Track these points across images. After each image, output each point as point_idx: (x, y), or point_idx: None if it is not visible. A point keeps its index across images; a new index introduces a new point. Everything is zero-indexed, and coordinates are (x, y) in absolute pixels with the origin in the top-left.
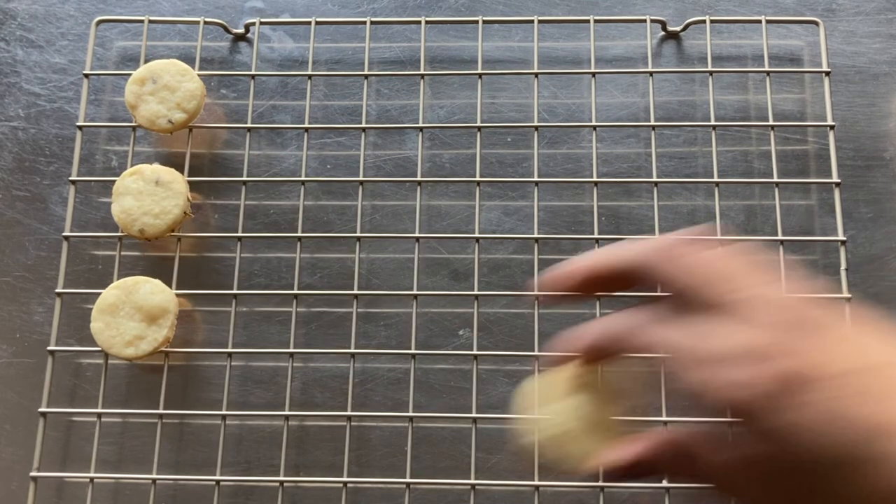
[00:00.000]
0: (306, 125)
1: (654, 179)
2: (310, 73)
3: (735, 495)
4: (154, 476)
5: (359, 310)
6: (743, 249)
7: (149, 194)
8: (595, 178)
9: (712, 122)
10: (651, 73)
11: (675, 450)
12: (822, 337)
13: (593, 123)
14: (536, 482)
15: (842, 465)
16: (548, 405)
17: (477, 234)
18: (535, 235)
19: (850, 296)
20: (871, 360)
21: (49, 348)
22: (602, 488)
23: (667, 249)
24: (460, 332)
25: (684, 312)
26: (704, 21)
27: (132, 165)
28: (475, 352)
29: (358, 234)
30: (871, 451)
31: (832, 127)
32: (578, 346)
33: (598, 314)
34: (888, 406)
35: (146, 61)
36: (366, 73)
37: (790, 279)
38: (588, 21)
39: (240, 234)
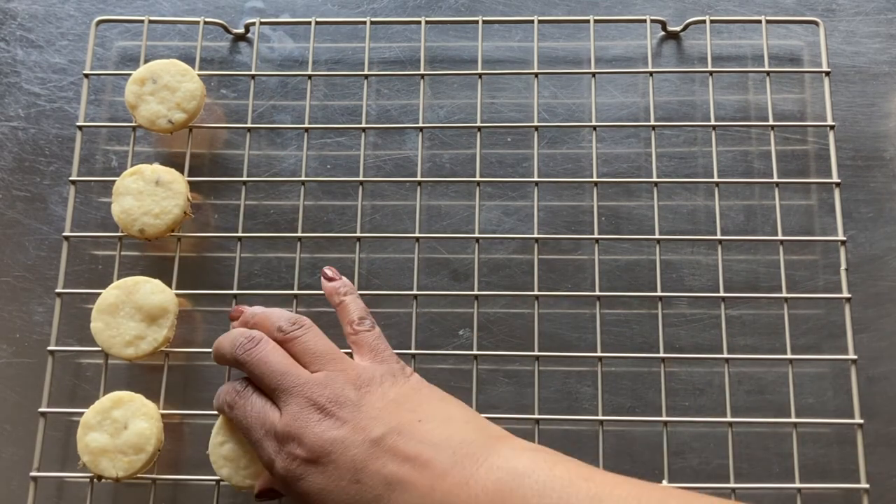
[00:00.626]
0: (306, 125)
1: (654, 179)
2: (310, 73)
3: None
4: (154, 476)
5: None
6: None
7: (149, 194)
8: (595, 178)
9: (712, 122)
10: (651, 73)
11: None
12: (356, 412)
13: (593, 123)
14: None
15: None
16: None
17: (477, 234)
18: (535, 235)
19: (849, 296)
20: (390, 427)
21: (49, 348)
22: None
23: (243, 344)
24: (460, 332)
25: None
26: (704, 21)
27: (132, 165)
28: (475, 352)
29: (358, 234)
30: (388, 499)
31: (832, 127)
32: (214, 405)
33: (598, 314)
34: (404, 463)
35: (146, 61)
36: (366, 73)
37: None
38: (588, 21)
39: (240, 234)
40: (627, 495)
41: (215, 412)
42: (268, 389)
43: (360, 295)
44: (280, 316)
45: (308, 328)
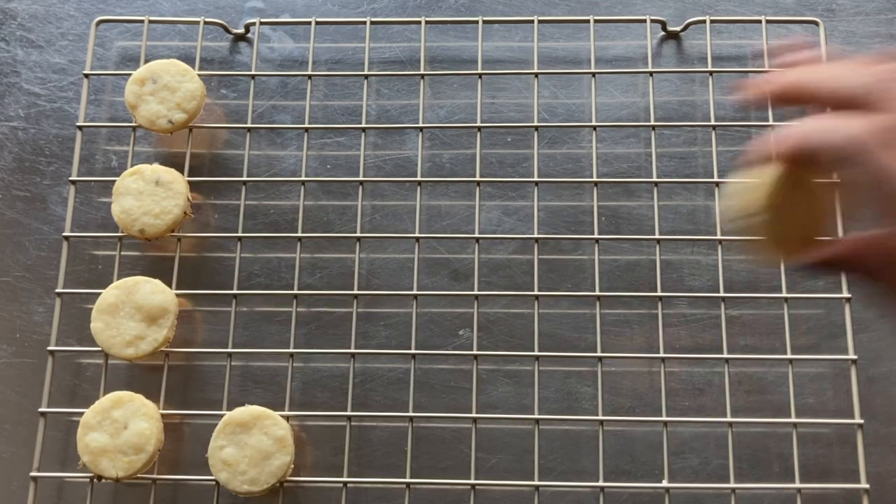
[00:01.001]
0: (306, 125)
1: (654, 179)
2: (310, 73)
3: None
4: (155, 476)
5: (359, 310)
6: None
7: (149, 194)
8: (595, 178)
9: (712, 122)
10: (651, 73)
11: (875, 246)
12: None
13: (593, 123)
14: (536, 482)
15: None
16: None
17: (477, 234)
18: (535, 235)
19: (850, 296)
20: None
21: (49, 348)
22: (602, 489)
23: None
24: (460, 332)
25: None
26: (704, 21)
27: (132, 165)
28: (475, 352)
29: (358, 234)
30: None
31: None
32: (783, 147)
33: (598, 314)
34: None
35: (146, 61)
36: (366, 73)
37: None
38: (588, 21)
39: (240, 234)
40: None
41: (215, 412)
42: (856, 103)
43: (360, 295)
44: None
45: None
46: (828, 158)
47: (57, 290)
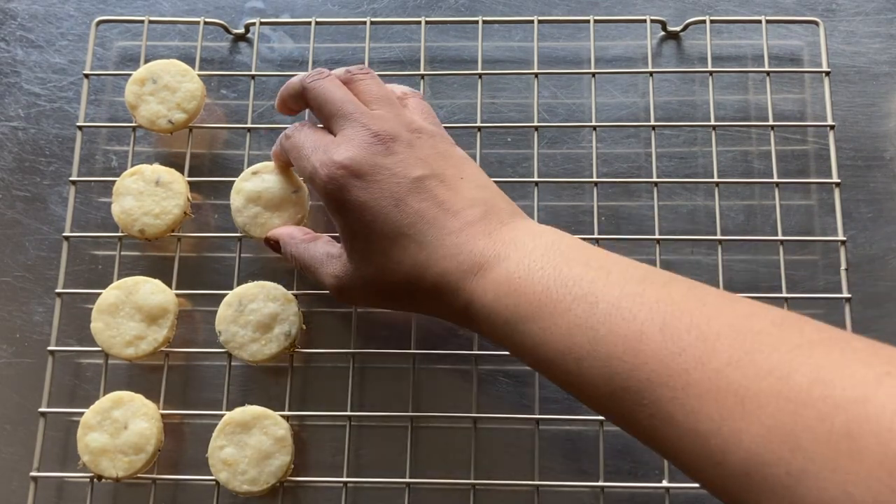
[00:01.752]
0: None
1: (654, 179)
2: None
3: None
4: (154, 476)
5: (359, 310)
6: (364, 72)
7: (149, 194)
8: (595, 178)
9: (712, 122)
10: (651, 73)
11: (289, 238)
12: (407, 152)
13: (593, 123)
14: (536, 482)
15: (390, 237)
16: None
17: None
18: None
19: (849, 296)
20: (436, 172)
21: (49, 348)
22: (602, 488)
23: (311, 75)
24: (460, 332)
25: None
26: (704, 21)
27: (132, 165)
28: (475, 352)
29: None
30: (410, 233)
31: (832, 127)
32: (272, 152)
33: None
34: (434, 205)
35: (146, 61)
36: None
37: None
38: (588, 21)
39: (240, 234)
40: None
41: (215, 412)
42: (327, 116)
43: None
44: (349, 66)
45: (373, 76)
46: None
47: (57, 290)
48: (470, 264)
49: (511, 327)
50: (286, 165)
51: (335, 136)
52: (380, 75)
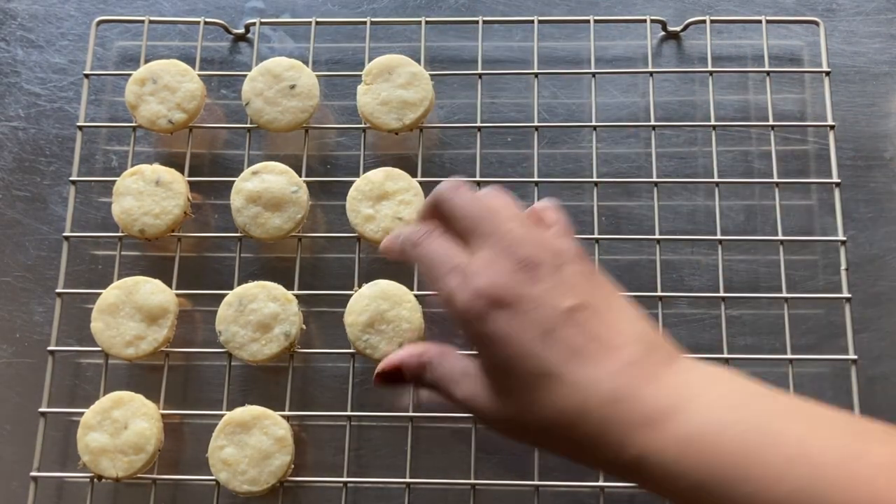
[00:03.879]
0: (306, 125)
1: (654, 179)
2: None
3: (465, 400)
4: (154, 476)
5: None
6: (499, 192)
7: (149, 194)
8: (595, 178)
9: (712, 122)
10: (651, 73)
11: (417, 359)
12: (554, 279)
13: (593, 123)
14: (536, 482)
15: (537, 377)
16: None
17: None
18: None
19: (849, 296)
20: (587, 301)
21: (49, 348)
22: (602, 489)
23: (448, 189)
24: (460, 332)
25: (459, 239)
26: (704, 21)
27: (132, 165)
28: (475, 351)
29: (358, 234)
30: (562, 372)
31: (832, 127)
32: (390, 250)
33: None
34: (590, 341)
35: (146, 61)
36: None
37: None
38: (588, 21)
39: (240, 234)
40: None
41: (215, 412)
42: (464, 231)
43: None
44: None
45: (507, 193)
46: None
47: (57, 290)
48: (639, 414)
49: (705, 492)
50: (398, 258)
51: (472, 252)
52: None
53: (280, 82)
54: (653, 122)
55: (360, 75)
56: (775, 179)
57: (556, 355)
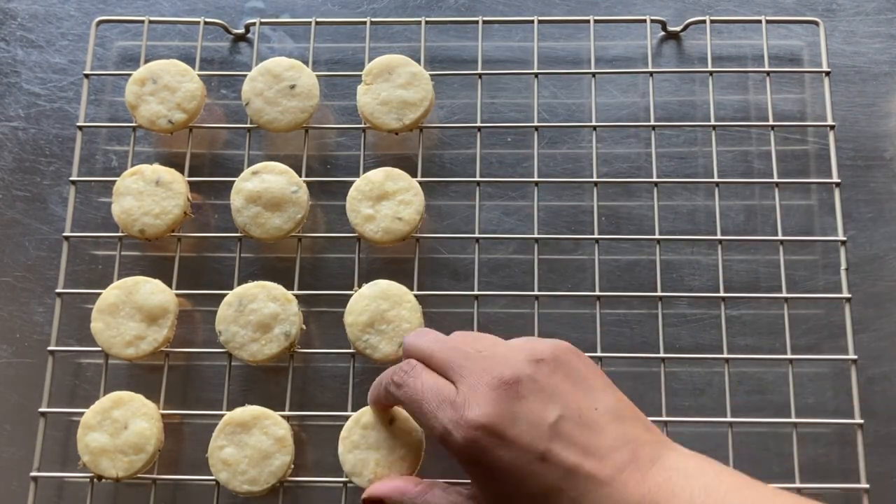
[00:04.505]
0: (306, 125)
1: (654, 179)
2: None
3: None
4: (154, 476)
5: None
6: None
7: (149, 194)
8: (595, 178)
9: (712, 122)
10: (651, 73)
11: (400, 495)
12: (534, 392)
13: (593, 123)
14: None
15: (542, 496)
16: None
17: (477, 234)
18: (535, 235)
19: (849, 296)
20: (571, 411)
21: (49, 348)
22: None
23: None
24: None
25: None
26: (704, 21)
27: (132, 165)
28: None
29: (358, 234)
30: (563, 487)
31: (832, 127)
32: (374, 398)
33: (598, 314)
34: (584, 454)
35: (146, 61)
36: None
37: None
38: (588, 21)
39: (240, 234)
40: None
41: (215, 412)
42: (442, 369)
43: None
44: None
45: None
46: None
47: (57, 290)
48: None
49: None
50: (387, 409)
51: (455, 386)
52: None
53: (280, 82)
54: (653, 122)
55: (360, 75)
56: (775, 179)
57: (553, 475)
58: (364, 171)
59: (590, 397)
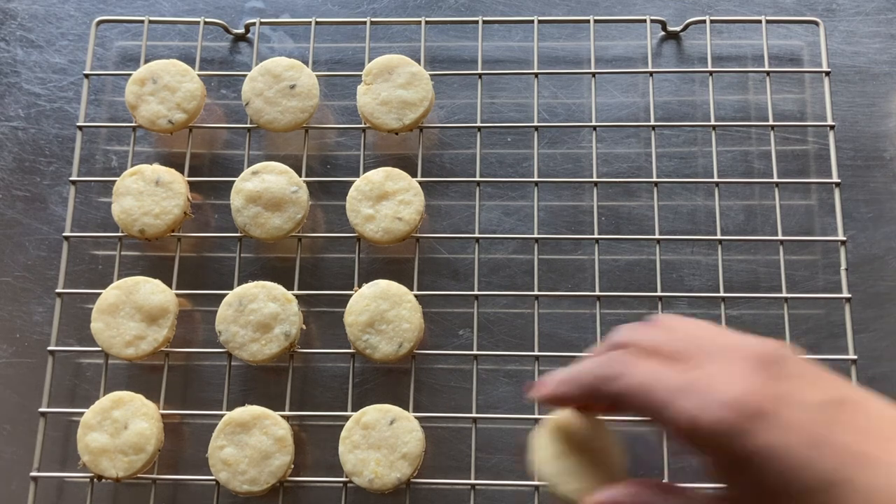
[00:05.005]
0: (306, 125)
1: (654, 179)
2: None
3: None
4: (154, 476)
5: None
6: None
7: (149, 194)
8: (595, 178)
9: (712, 122)
10: (651, 73)
11: (646, 494)
12: (796, 371)
13: (593, 123)
14: (536, 482)
15: (820, 491)
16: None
17: (477, 234)
18: (535, 235)
19: (849, 296)
20: (843, 393)
21: (49, 348)
22: None
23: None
24: (460, 332)
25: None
26: (704, 21)
27: (132, 165)
28: (475, 352)
29: (358, 234)
30: (850, 477)
31: (832, 127)
32: (567, 397)
33: (598, 314)
34: (866, 436)
35: (146, 61)
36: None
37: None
38: (588, 21)
39: (240, 234)
40: None
41: (215, 412)
42: (674, 354)
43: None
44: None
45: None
46: (615, 401)
47: (57, 290)
48: None
49: None
50: (588, 409)
51: (689, 367)
52: None
53: (280, 82)
54: (653, 122)
55: (360, 75)
56: (775, 179)
57: (832, 460)
58: (364, 171)
59: (839, 383)
